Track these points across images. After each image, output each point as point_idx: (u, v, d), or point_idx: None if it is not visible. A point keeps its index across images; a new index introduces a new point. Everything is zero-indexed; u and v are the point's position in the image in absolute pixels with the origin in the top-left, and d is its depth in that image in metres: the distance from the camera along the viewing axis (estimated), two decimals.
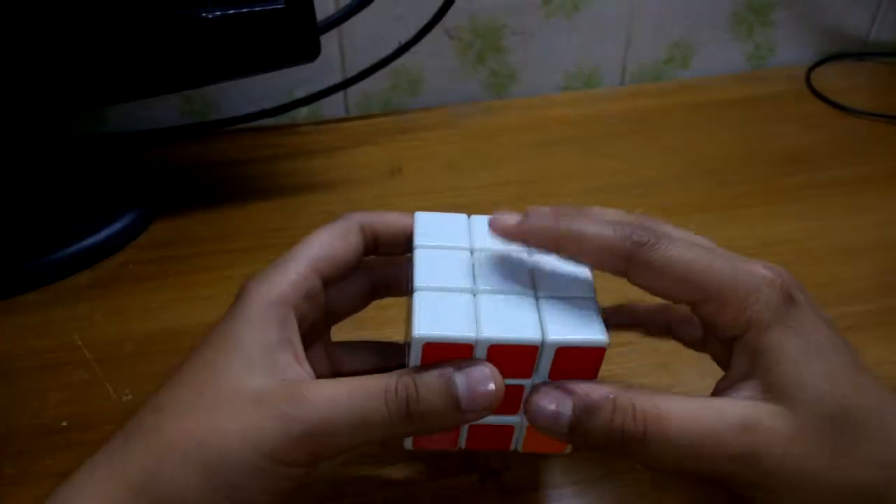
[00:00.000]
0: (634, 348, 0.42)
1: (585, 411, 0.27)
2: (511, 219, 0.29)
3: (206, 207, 0.55)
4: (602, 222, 0.28)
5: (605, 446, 0.27)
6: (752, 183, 0.59)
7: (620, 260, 0.28)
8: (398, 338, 0.35)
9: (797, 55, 0.78)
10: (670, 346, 0.38)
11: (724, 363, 0.31)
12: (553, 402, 0.27)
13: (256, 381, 0.26)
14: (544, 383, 0.28)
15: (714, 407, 0.27)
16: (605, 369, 0.36)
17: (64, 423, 0.38)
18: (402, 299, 0.34)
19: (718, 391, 0.29)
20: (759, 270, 0.28)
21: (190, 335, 0.43)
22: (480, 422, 0.29)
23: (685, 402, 0.27)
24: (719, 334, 0.29)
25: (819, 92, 0.71)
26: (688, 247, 0.28)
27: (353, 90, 0.68)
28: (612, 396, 0.27)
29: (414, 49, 0.63)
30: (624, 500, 0.35)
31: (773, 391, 0.27)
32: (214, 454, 0.25)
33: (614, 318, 0.36)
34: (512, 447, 0.31)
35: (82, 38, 0.44)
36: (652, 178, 0.59)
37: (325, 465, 0.36)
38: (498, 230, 0.30)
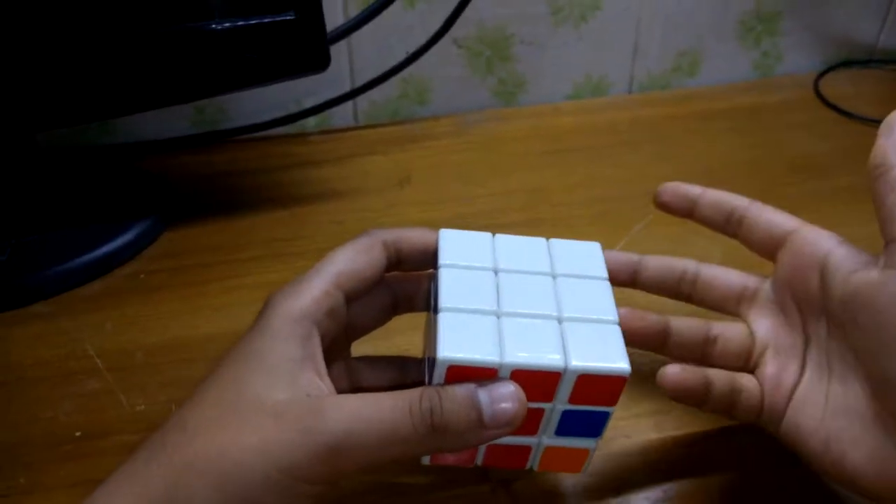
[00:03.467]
0: (641, 357, 0.42)
1: None
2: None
3: (216, 217, 0.55)
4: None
5: None
6: (760, 191, 0.57)
7: None
8: (408, 346, 0.35)
9: (805, 63, 0.78)
10: None
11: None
12: None
13: (278, 397, 0.26)
14: None
15: None
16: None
17: (77, 434, 0.38)
18: (421, 314, 0.35)
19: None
20: None
21: (201, 345, 0.44)
22: (498, 441, 0.29)
23: None
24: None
25: (827, 99, 0.71)
26: None
27: (362, 99, 0.68)
28: None
29: (423, 58, 0.63)
30: None
31: None
32: (233, 467, 0.25)
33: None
34: (528, 466, 0.31)
35: (93, 50, 0.44)
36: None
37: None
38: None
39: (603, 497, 0.35)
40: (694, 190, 0.38)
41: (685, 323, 0.36)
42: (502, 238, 0.32)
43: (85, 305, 0.47)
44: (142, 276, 0.50)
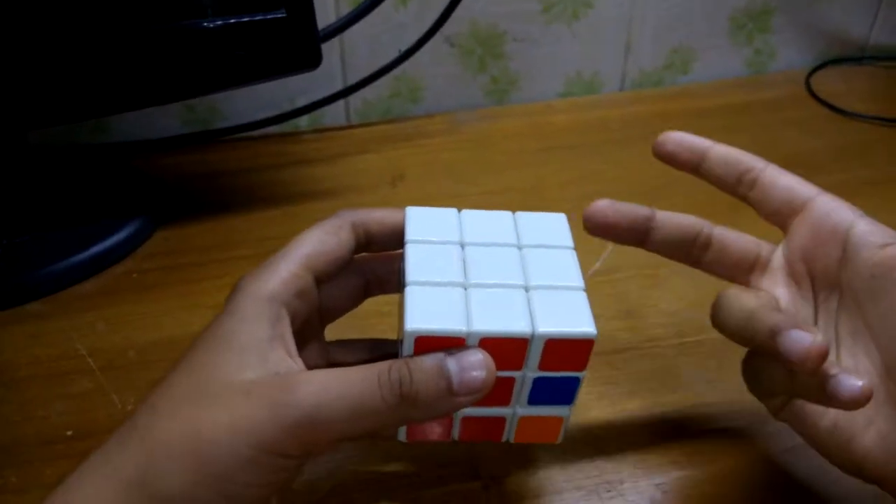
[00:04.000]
0: (635, 354, 0.42)
1: None
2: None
3: (208, 216, 0.55)
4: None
5: None
6: None
7: None
8: (390, 335, 0.35)
9: (797, 60, 0.78)
10: (674, 351, 0.38)
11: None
12: None
13: (248, 376, 0.27)
14: None
15: None
16: (606, 375, 0.35)
17: (69, 433, 0.38)
18: (395, 298, 0.35)
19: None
20: None
21: None
22: (472, 413, 0.29)
23: None
24: None
25: (819, 96, 0.71)
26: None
27: (354, 98, 0.68)
28: None
29: (415, 56, 0.64)
30: None
31: None
32: (204, 445, 0.25)
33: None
34: (504, 438, 0.32)
35: (85, 48, 0.44)
36: (653, 184, 0.59)
37: (328, 471, 0.36)
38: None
39: (596, 493, 0.35)
40: (702, 142, 0.36)
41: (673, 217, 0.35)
42: (469, 213, 0.33)
43: (78, 304, 0.47)
44: (135, 275, 0.50)
